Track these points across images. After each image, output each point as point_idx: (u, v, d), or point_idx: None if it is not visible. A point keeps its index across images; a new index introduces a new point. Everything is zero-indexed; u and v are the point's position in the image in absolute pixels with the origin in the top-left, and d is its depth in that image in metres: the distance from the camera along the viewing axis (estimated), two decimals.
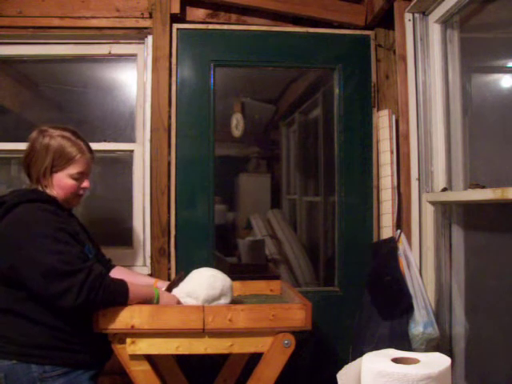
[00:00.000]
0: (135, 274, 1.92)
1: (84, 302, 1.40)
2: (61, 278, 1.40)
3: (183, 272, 1.82)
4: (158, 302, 1.62)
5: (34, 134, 1.60)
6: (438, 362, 1.17)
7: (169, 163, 2.29)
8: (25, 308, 1.48)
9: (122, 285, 1.53)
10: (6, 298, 1.50)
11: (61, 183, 1.59)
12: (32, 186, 1.61)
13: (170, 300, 1.66)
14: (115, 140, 2.38)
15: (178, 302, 1.68)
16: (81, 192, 1.65)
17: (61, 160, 1.58)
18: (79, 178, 1.62)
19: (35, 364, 1.46)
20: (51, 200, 1.57)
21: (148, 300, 1.60)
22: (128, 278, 1.65)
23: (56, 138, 1.59)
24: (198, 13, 2.37)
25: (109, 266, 1.84)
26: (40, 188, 1.59)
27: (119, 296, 1.52)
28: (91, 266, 1.47)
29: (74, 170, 1.59)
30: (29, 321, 1.48)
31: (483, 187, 1.66)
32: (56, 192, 1.59)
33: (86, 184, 1.65)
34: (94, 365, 1.57)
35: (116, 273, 1.81)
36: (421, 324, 1.85)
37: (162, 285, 1.83)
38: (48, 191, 1.58)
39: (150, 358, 1.64)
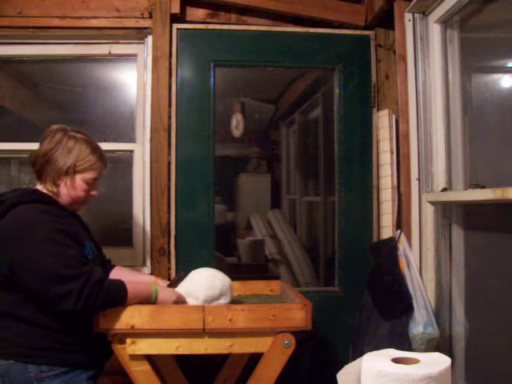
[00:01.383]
0: (135, 273, 1.92)
1: (83, 306, 1.40)
2: (61, 282, 1.39)
3: (183, 272, 1.82)
4: (156, 298, 1.61)
5: (57, 135, 1.59)
6: (438, 361, 1.17)
7: (169, 163, 2.29)
8: (23, 310, 1.47)
9: (120, 286, 1.53)
10: (4, 302, 1.49)
11: (75, 185, 1.60)
12: (41, 184, 1.60)
13: (168, 295, 1.64)
14: (115, 140, 2.38)
15: (178, 299, 1.66)
16: (87, 199, 1.67)
17: (83, 163, 1.60)
18: (91, 183, 1.64)
19: (32, 364, 1.46)
20: (51, 201, 1.57)
21: (147, 297, 1.59)
22: (128, 278, 1.65)
23: (80, 141, 1.61)
24: (198, 13, 2.37)
25: (109, 266, 1.84)
26: (52, 187, 1.58)
27: (118, 298, 1.51)
28: (90, 270, 1.46)
29: (90, 175, 1.62)
30: (26, 323, 1.47)
31: (483, 187, 1.66)
32: (67, 193, 1.59)
33: (94, 192, 1.68)
34: (92, 365, 1.57)
35: (116, 273, 1.81)
36: (421, 324, 1.85)
37: (162, 283, 1.83)
38: (62, 191, 1.59)
39: (150, 358, 1.64)
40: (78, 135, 1.62)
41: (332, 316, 2.33)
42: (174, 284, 1.75)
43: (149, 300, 1.59)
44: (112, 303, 1.51)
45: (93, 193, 1.67)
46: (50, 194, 1.59)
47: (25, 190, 1.61)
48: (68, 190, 1.60)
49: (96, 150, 1.65)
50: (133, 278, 1.79)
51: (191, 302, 1.68)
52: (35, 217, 1.49)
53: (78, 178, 1.60)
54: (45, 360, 1.47)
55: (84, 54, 2.40)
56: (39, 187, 1.61)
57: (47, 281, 1.40)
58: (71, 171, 1.58)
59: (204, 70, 2.35)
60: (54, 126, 1.63)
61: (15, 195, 1.55)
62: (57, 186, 1.59)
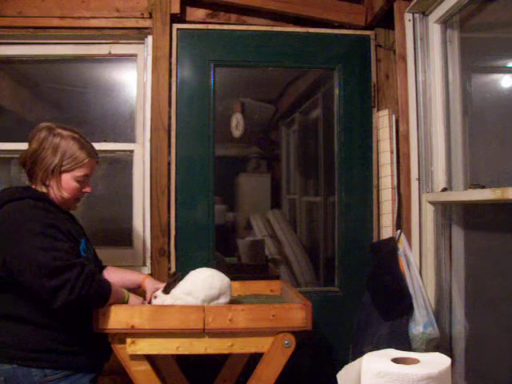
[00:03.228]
0: (125, 271, 1.89)
1: (76, 297, 1.38)
2: (53, 275, 1.37)
3: (180, 273, 1.81)
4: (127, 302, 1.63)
5: (42, 133, 1.56)
6: (438, 361, 1.17)
7: (169, 163, 2.29)
8: (23, 312, 1.46)
9: (107, 284, 1.53)
10: (2, 304, 1.48)
11: (66, 184, 1.58)
12: (32, 185, 1.58)
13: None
14: (115, 140, 2.38)
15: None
16: (81, 196, 1.65)
17: (70, 162, 1.56)
18: (83, 181, 1.62)
19: (36, 368, 1.45)
20: (42, 197, 1.54)
21: (121, 299, 1.60)
22: (119, 276, 1.69)
23: (66, 139, 1.57)
24: (198, 13, 2.37)
25: (101, 266, 1.83)
26: (42, 187, 1.56)
27: (105, 294, 1.51)
28: (82, 262, 1.45)
29: (80, 172, 1.59)
30: (27, 324, 1.46)
31: (483, 187, 1.66)
32: (59, 192, 1.57)
33: (88, 189, 1.65)
34: (94, 367, 1.57)
35: (107, 273, 1.80)
36: (421, 324, 1.85)
37: (150, 282, 1.82)
38: (51, 191, 1.56)
39: (150, 358, 1.64)
40: (65, 132, 1.58)
41: (332, 316, 2.33)
42: (171, 285, 1.73)
43: (122, 302, 1.61)
44: (100, 298, 1.50)
45: (86, 190, 1.64)
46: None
47: (16, 188, 1.58)
48: (58, 190, 1.57)
49: (84, 146, 1.60)
50: (123, 275, 1.79)
51: (191, 301, 1.67)
52: (26, 212, 1.47)
53: (68, 176, 1.57)
54: (49, 363, 1.46)
55: (84, 54, 2.40)
56: (33, 186, 1.59)
57: (39, 274, 1.38)
58: (58, 170, 1.55)
59: (204, 70, 2.35)
60: (41, 125, 1.59)
61: (8, 193, 1.53)
62: (46, 186, 1.56)
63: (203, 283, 1.69)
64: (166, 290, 1.71)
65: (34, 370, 1.45)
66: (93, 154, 1.64)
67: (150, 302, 1.73)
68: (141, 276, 1.86)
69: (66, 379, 1.48)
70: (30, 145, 1.58)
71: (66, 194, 1.58)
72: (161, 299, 1.69)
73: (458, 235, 2.00)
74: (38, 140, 1.56)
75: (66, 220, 1.61)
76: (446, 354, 1.23)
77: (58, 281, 1.37)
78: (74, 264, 1.41)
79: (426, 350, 1.82)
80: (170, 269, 2.26)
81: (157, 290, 1.74)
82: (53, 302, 1.38)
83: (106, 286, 1.52)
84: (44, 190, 1.56)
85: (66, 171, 1.57)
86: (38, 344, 1.47)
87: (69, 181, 1.58)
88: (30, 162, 1.57)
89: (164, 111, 2.28)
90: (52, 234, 1.45)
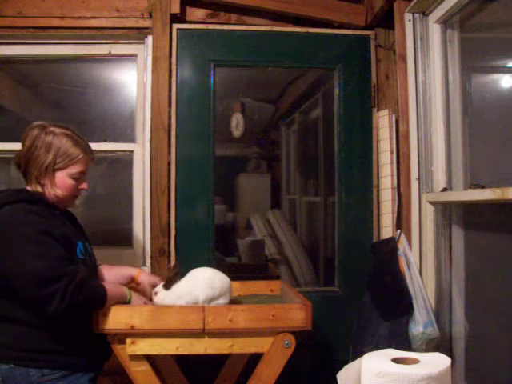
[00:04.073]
0: (118, 268, 1.84)
1: (67, 305, 1.37)
2: (44, 285, 1.36)
3: (178, 266, 1.77)
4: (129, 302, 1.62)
5: (34, 131, 1.55)
6: (438, 361, 1.17)
7: (169, 163, 2.29)
8: (20, 314, 1.45)
9: (101, 290, 1.51)
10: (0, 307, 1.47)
11: (61, 182, 1.56)
12: (28, 185, 1.57)
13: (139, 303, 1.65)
14: (115, 140, 2.38)
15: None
16: (78, 193, 1.63)
17: (63, 159, 1.54)
18: (79, 177, 1.59)
19: (33, 368, 1.44)
20: (38, 200, 1.52)
21: (122, 300, 1.59)
22: (112, 273, 1.68)
23: (59, 136, 1.55)
24: (198, 13, 2.37)
25: (96, 266, 1.81)
26: (36, 186, 1.54)
27: (97, 301, 1.50)
28: (74, 270, 1.43)
29: (75, 169, 1.57)
30: (24, 325, 1.46)
31: (483, 187, 1.66)
32: (53, 191, 1.55)
33: (84, 185, 1.63)
34: (92, 367, 1.57)
35: (100, 272, 1.78)
36: (421, 324, 1.85)
37: (145, 276, 1.80)
38: (46, 190, 1.55)
39: (150, 359, 1.64)
40: (57, 130, 1.56)
41: (332, 316, 2.33)
42: (172, 280, 1.71)
43: (123, 302, 1.60)
44: (95, 304, 1.50)
45: (82, 186, 1.62)
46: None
47: (12, 191, 1.56)
48: (52, 188, 1.54)
49: (78, 143, 1.58)
50: (114, 272, 1.77)
51: (190, 301, 1.67)
52: (20, 217, 1.45)
53: (62, 174, 1.55)
54: (47, 363, 1.46)
55: (84, 54, 2.40)
56: (28, 188, 1.57)
57: (31, 283, 1.37)
58: (51, 168, 1.53)
59: (204, 70, 2.35)
60: (34, 123, 1.57)
61: (2, 196, 1.51)
62: (41, 185, 1.54)
63: (204, 283, 1.69)
64: (167, 286, 1.68)
65: (31, 370, 1.44)
66: (87, 150, 1.61)
67: (150, 298, 1.72)
68: (134, 270, 1.82)
69: (63, 379, 1.47)
70: (23, 144, 1.56)
71: (59, 192, 1.56)
72: (162, 295, 1.67)
73: (458, 235, 2.00)
74: (30, 139, 1.54)
75: (63, 221, 1.60)
76: (446, 353, 1.23)
77: (48, 290, 1.36)
78: (66, 273, 1.40)
79: (426, 350, 1.82)
80: (169, 269, 2.25)
81: (153, 284, 1.73)
82: (45, 309, 1.38)
83: (100, 291, 1.50)
84: (39, 189, 1.54)
85: (60, 169, 1.55)
86: (35, 344, 1.46)
87: (63, 178, 1.56)
88: (23, 162, 1.56)
89: (164, 111, 2.28)
90: (45, 240, 1.43)
